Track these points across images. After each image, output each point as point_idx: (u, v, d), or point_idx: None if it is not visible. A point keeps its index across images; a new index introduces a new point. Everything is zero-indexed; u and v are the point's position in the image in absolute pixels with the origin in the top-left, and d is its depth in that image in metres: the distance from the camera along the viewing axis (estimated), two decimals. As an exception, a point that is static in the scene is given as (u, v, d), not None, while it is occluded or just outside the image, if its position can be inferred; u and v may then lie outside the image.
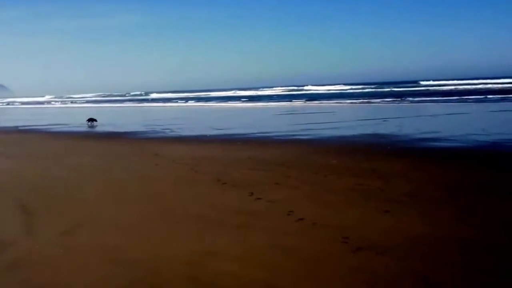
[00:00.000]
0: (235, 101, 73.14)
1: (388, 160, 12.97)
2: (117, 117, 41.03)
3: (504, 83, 75.83)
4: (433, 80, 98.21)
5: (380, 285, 5.11)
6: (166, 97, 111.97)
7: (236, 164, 12.90)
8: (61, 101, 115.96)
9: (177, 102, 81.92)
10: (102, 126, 29.11)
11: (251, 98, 78.54)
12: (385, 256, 5.81)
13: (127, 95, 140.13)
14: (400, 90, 77.82)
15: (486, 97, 47.64)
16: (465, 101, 44.63)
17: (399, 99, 53.18)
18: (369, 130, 21.11)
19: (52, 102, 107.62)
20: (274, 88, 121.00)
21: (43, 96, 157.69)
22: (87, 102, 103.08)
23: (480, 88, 68.73)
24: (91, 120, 30.22)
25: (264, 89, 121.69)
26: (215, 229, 7.17)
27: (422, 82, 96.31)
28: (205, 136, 21.32)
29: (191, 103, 73.64)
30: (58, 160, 14.76)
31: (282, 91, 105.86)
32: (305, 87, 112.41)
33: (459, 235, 6.52)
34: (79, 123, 31.46)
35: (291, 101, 62.74)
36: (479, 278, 5.19)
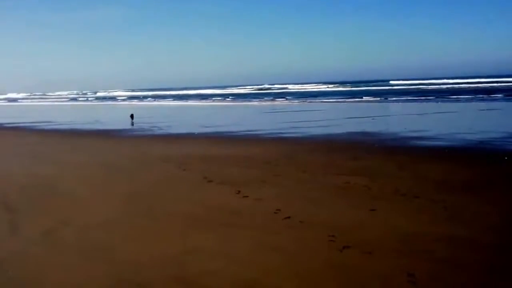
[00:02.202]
0: (208, 99, 73.15)
1: (375, 158, 13.02)
2: (100, 115, 40.57)
3: (480, 83, 77.76)
4: (402, 80, 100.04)
5: (367, 283, 5.09)
6: (135, 95, 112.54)
7: (223, 162, 12.85)
8: (37, 98, 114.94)
9: (142, 100, 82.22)
10: (89, 124, 28.86)
11: (224, 96, 79.27)
12: (371, 254, 5.80)
13: (97, 93, 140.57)
14: (378, 89, 79.25)
15: (458, 97, 48.78)
16: (445, 100, 45.50)
17: (379, 98, 53.93)
18: (356, 128, 21.20)
19: (19, 100, 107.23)
20: (245, 87, 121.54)
21: (18, 94, 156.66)
22: (70, 100, 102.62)
23: (453, 88, 70.81)
24: (132, 116, 30.79)
25: (234, 88, 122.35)
26: (201, 227, 7.11)
27: (392, 82, 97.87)
28: (192, 134, 21.23)
29: (166, 102, 72.89)
30: (43, 158, 14.57)
31: (253, 90, 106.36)
32: (279, 86, 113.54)
33: (446, 233, 6.53)
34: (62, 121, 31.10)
35: (267, 99, 63.37)
36: (466, 275, 5.21)
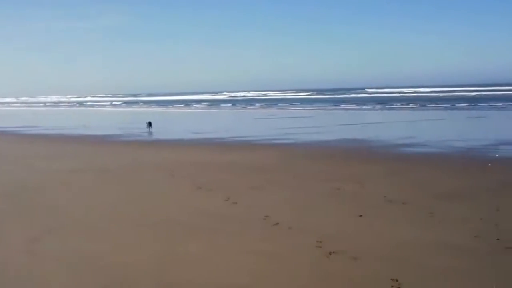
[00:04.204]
0: (190, 106, 73.08)
1: (365, 165, 13.10)
2: (85, 121, 40.24)
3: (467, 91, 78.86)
4: (378, 88, 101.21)
5: (353, 289, 5.13)
6: (124, 100, 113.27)
7: (212, 168, 12.85)
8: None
9: (134, 105, 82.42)
10: (77, 129, 28.71)
11: (211, 102, 80.00)
12: (358, 260, 5.84)
13: (72, 98, 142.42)
14: (357, 96, 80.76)
15: (430, 105, 49.27)
16: (426, 108, 46.20)
17: (361, 106, 54.36)
18: (346, 135, 21.32)
19: (6, 104, 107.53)
20: (223, 93, 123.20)
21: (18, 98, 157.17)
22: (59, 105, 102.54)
23: (429, 96, 71.74)
24: (149, 124, 27.89)
25: (212, 94, 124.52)
26: (190, 234, 7.10)
27: (368, 90, 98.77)
28: (181, 140, 21.21)
29: (141, 108, 72.15)
30: (28, 164, 14.44)
31: (229, 97, 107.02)
32: (257, 92, 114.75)
33: (431, 239, 6.59)
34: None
35: (254, 105, 63.63)
36: (450, 281, 5.26)
